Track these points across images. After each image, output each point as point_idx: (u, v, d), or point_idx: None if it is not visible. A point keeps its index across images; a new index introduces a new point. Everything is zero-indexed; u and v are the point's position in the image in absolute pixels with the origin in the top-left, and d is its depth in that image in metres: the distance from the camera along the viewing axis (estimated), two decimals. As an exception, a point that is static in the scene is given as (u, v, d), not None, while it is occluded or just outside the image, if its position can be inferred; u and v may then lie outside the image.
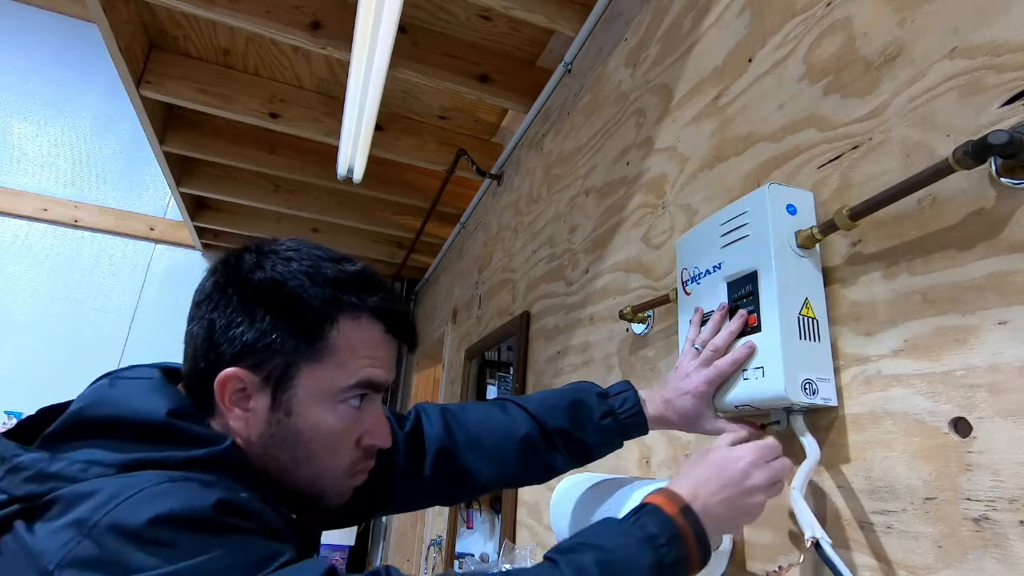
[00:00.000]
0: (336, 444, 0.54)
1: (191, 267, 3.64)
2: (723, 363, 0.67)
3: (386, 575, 0.44)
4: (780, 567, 0.66)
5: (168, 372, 0.54)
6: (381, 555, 3.56)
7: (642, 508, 0.54)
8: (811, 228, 0.63)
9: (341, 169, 2.15)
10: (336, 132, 2.03)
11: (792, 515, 0.63)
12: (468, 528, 2.23)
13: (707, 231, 0.74)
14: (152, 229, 3.57)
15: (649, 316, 1.02)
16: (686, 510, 0.53)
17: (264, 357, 0.51)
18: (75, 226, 3.43)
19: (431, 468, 0.71)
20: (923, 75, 0.57)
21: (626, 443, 0.75)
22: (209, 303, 0.53)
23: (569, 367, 1.33)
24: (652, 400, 0.73)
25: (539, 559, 0.52)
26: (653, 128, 1.12)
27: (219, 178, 2.72)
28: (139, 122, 2.14)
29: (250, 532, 0.43)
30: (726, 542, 0.71)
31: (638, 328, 1.04)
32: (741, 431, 0.67)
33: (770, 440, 0.63)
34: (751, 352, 0.65)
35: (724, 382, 0.68)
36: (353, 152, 2.02)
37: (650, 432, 0.73)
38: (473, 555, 1.97)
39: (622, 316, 1.02)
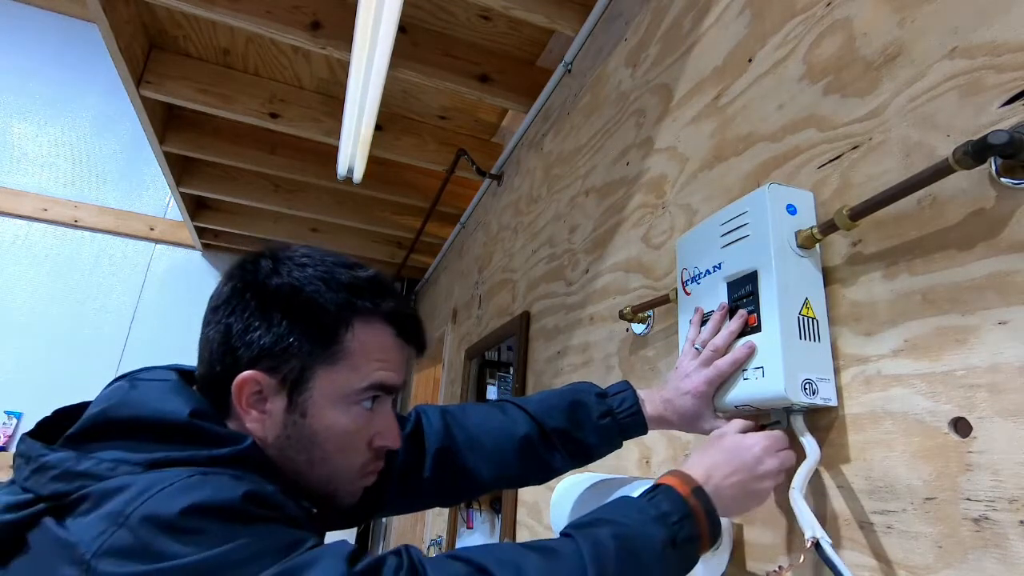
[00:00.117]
0: (349, 445, 0.55)
1: (191, 267, 3.64)
2: (723, 363, 0.67)
3: (406, 554, 0.44)
4: (780, 567, 0.66)
5: (183, 374, 0.55)
6: (381, 555, 3.55)
7: (656, 488, 0.56)
8: (811, 228, 0.63)
9: (341, 169, 2.16)
10: (336, 132, 2.03)
11: (792, 515, 0.63)
12: (468, 528, 2.23)
13: (707, 231, 0.74)
14: (152, 229, 3.57)
15: (649, 316, 1.02)
16: (698, 491, 0.55)
17: (281, 360, 0.52)
18: (75, 226, 3.43)
19: (431, 469, 0.71)
20: (923, 75, 0.57)
21: (626, 443, 0.75)
22: (226, 308, 0.54)
23: (569, 367, 1.33)
24: (652, 400, 0.73)
25: None
26: (653, 128, 1.12)
27: (219, 178, 2.73)
28: (139, 122, 2.14)
29: (277, 521, 0.44)
30: (726, 542, 0.71)
31: (638, 328, 1.04)
32: (750, 421, 0.67)
33: (778, 431, 0.64)
34: (751, 352, 0.65)
35: (724, 382, 0.69)
36: (353, 152, 2.02)
37: (650, 432, 0.74)
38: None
39: (622, 316, 1.02)
